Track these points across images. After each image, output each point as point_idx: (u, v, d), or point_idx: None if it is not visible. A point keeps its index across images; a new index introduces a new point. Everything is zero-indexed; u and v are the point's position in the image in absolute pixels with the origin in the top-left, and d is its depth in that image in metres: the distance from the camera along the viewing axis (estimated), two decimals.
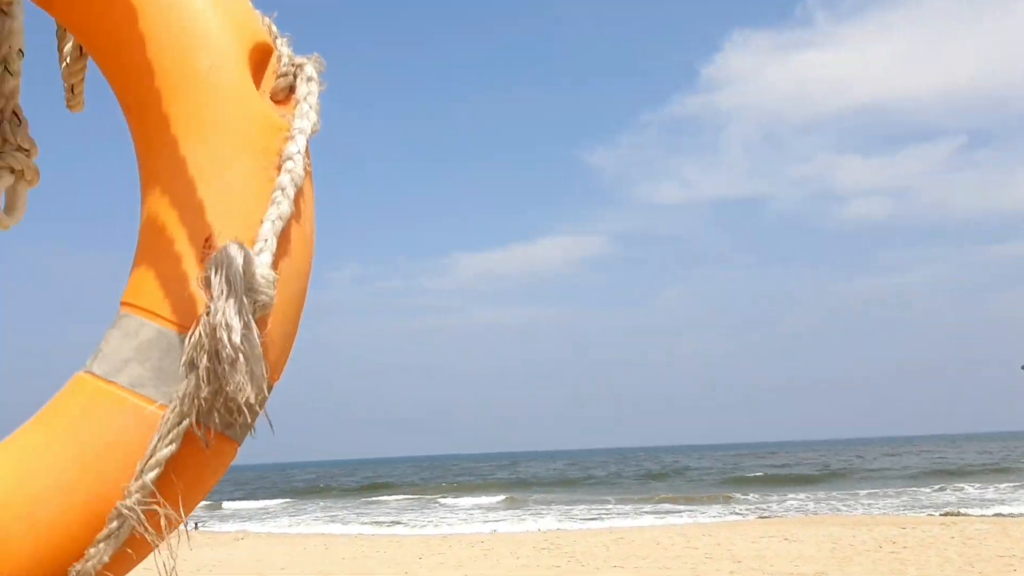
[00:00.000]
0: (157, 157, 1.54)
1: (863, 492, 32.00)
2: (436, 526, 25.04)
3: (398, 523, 26.46)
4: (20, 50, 1.90)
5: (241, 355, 1.34)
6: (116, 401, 1.42)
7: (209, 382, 1.36)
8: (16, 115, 1.89)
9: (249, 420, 1.41)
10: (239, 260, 1.39)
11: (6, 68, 1.88)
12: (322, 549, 17.10)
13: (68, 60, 1.95)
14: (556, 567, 13.09)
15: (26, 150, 1.88)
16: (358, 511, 32.42)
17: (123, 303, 1.51)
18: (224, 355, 1.34)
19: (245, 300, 1.37)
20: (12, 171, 1.87)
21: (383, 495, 41.38)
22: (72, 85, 1.90)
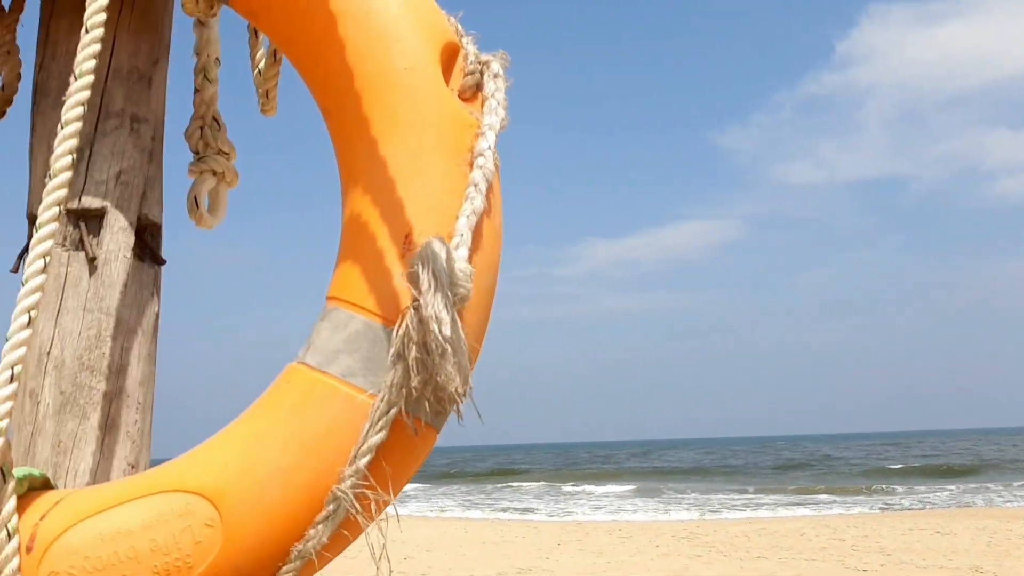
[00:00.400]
0: (357, 157, 1.60)
1: (1017, 483, 30.25)
2: (571, 513, 25.15)
3: (532, 509, 26.71)
4: (217, 58, 2.01)
5: (450, 347, 1.38)
6: (329, 391, 1.49)
7: (418, 372, 1.41)
8: (216, 120, 2.01)
9: (455, 409, 1.46)
10: (442, 255, 1.44)
11: (205, 76, 1.99)
12: (461, 533, 17.46)
13: (261, 67, 2.05)
14: (697, 556, 12.95)
15: (226, 153, 2.00)
16: (493, 496, 32.91)
17: (330, 297, 1.58)
18: (434, 347, 1.39)
19: (450, 294, 1.41)
20: (214, 173, 1.99)
21: (517, 481, 41.84)
22: (267, 90, 2.00)
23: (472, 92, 1.69)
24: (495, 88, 1.66)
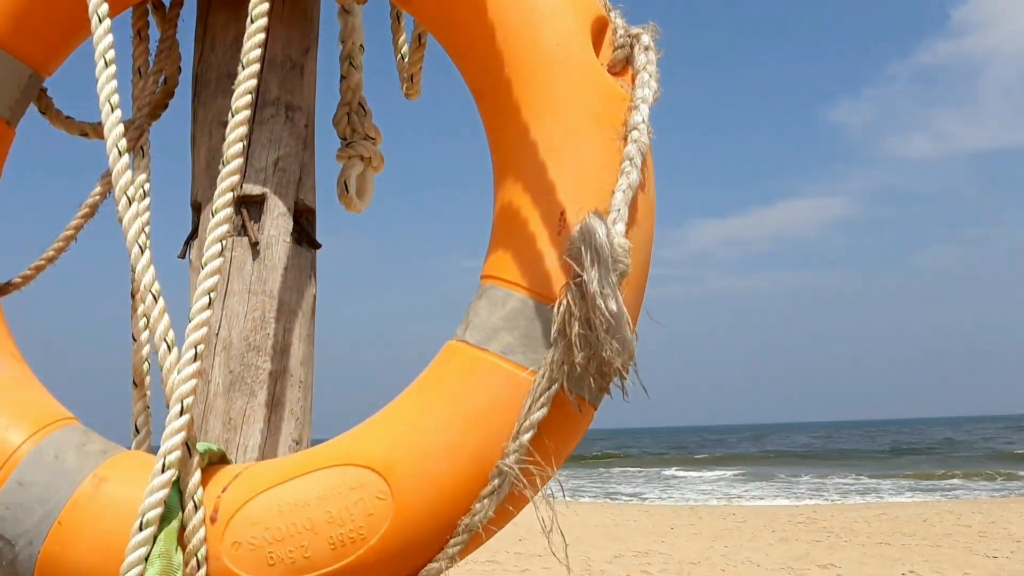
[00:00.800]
0: (510, 136, 1.61)
1: None
2: (681, 497, 24.91)
3: (642, 493, 26.58)
4: (361, 45, 2.05)
5: (615, 322, 1.38)
6: (490, 367, 1.51)
7: (581, 348, 1.42)
8: (362, 106, 2.05)
9: (619, 384, 1.45)
10: (602, 231, 1.43)
11: (351, 63, 2.04)
12: (572, 516, 17.51)
13: (406, 51, 2.09)
14: (816, 542, 12.66)
15: (372, 138, 2.04)
16: (602, 480, 32.87)
17: (485, 276, 1.60)
18: (598, 323, 1.39)
19: (612, 269, 1.41)
20: (362, 158, 2.03)
21: (625, 465, 41.70)
22: (411, 75, 2.04)
23: (622, 66, 1.68)
24: (646, 61, 1.64)
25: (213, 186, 1.86)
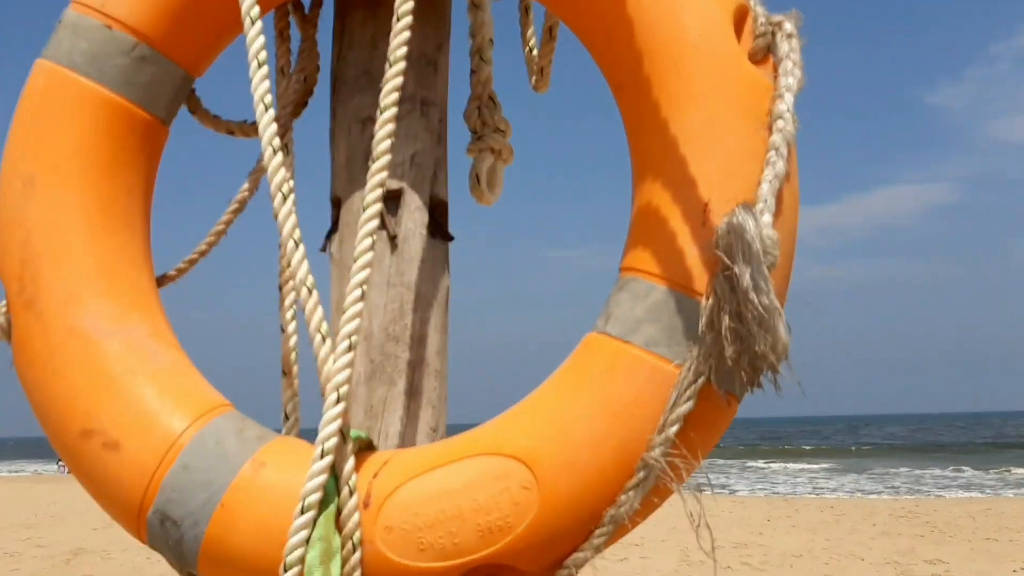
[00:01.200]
0: (651, 127, 1.61)
1: None
2: (776, 489, 24.50)
3: (732, 485, 26.23)
4: (490, 39, 2.07)
5: (768, 316, 1.37)
6: (634, 360, 1.52)
7: (732, 342, 1.41)
8: (492, 99, 2.07)
9: (772, 379, 1.44)
10: (751, 222, 1.43)
11: (480, 57, 2.06)
12: (667, 505, 17.39)
13: (534, 43, 2.10)
14: (919, 536, 12.31)
15: (502, 131, 2.06)
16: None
17: (625, 268, 1.61)
18: (750, 316, 1.38)
19: (763, 261, 1.40)
20: (492, 151, 2.06)
21: (717, 456, 41.20)
22: (541, 67, 2.05)
23: (763, 54, 1.66)
24: (790, 49, 1.62)
25: (352, 181, 1.92)
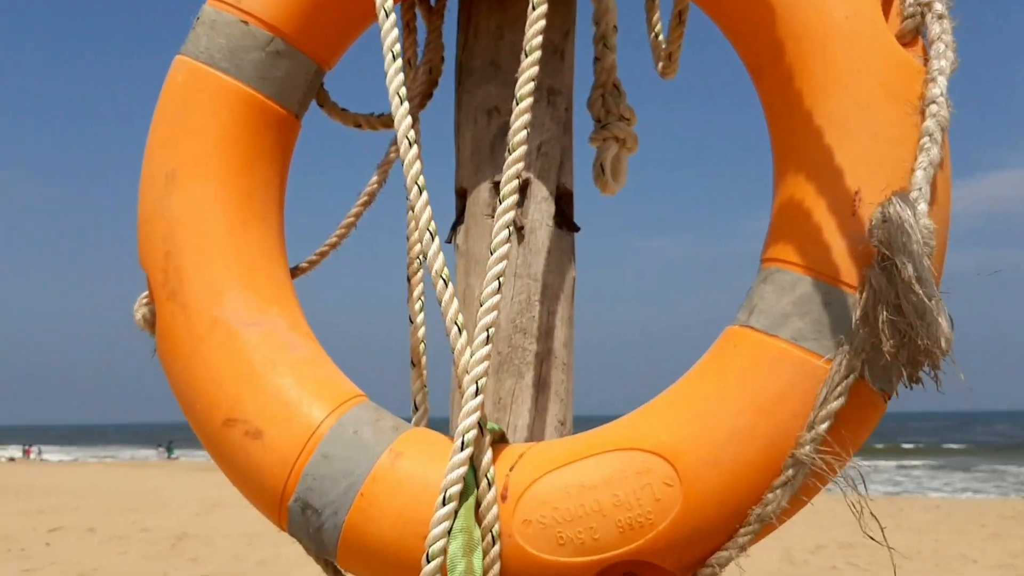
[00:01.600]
0: (795, 113, 1.55)
1: None
2: (874, 489, 23.80)
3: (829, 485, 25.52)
4: (615, 26, 2.04)
5: (932, 308, 1.31)
6: (780, 354, 1.47)
7: (890, 336, 1.35)
8: (616, 87, 2.04)
9: (932, 375, 1.38)
10: (908, 211, 1.36)
11: (605, 44, 2.03)
12: None
13: (660, 29, 2.06)
14: None
15: (627, 119, 2.03)
16: None
17: (768, 259, 1.55)
18: (911, 309, 1.31)
19: (922, 252, 1.33)
20: (617, 140, 2.03)
21: None
22: (670, 53, 2.01)
23: (912, 36, 1.58)
24: (941, 30, 1.54)
25: (478, 172, 1.92)
